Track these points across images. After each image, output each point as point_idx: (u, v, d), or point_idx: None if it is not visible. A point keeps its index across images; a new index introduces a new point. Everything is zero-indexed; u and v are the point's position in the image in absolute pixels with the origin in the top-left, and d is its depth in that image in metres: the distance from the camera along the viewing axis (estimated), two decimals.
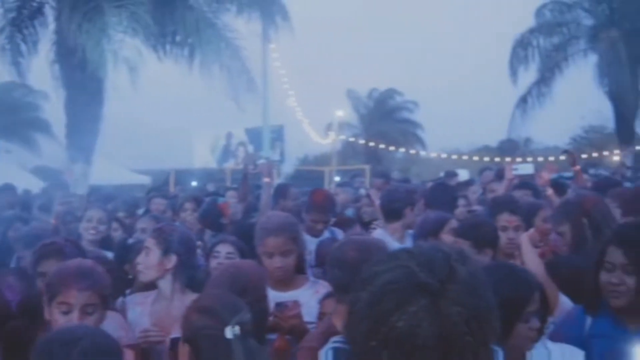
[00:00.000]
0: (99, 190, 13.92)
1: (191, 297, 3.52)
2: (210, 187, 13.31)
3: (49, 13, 16.85)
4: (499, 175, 8.62)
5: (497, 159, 24.03)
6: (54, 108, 16.57)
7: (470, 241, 4.18)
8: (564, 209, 4.45)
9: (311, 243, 5.45)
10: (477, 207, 7.23)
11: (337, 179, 19.14)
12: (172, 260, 3.76)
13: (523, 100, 25.25)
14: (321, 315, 3.53)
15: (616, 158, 22.60)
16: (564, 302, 3.45)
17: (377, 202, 6.28)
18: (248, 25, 18.10)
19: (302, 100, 27.74)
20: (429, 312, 1.43)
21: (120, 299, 4.08)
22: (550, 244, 4.38)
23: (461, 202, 7.02)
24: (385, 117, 42.90)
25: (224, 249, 4.55)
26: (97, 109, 16.55)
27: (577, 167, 7.31)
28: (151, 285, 3.91)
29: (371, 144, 32.68)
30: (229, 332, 2.45)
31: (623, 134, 24.41)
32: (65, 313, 3.05)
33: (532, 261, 3.74)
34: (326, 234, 5.96)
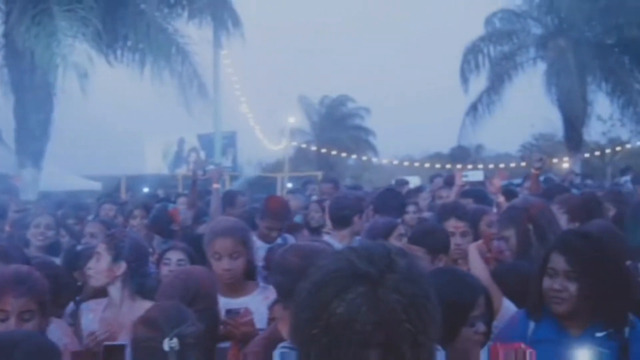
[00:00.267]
0: (49, 197, 13.69)
1: (141, 304, 3.51)
2: (161, 193, 13.21)
3: None
4: (448, 182, 8.75)
5: (448, 166, 24.19)
6: (2, 112, 16.24)
7: (425, 248, 4.21)
8: (510, 214, 4.50)
9: (264, 250, 5.43)
10: (426, 214, 7.32)
11: (289, 185, 19.16)
12: (122, 267, 3.74)
13: (474, 107, 25.54)
14: (270, 321, 3.54)
15: (565, 165, 22.91)
16: (508, 307, 3.50)
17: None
18: (200, 31, 18.13)
19: (254, 107, 27.64)
20: (368, 298, 1.47)
21: (71, 306, 4.04)
22: (493, 250, 4.44)
23: (411, 208, 7.11)
24: (337, 124, 43.01)
25: (174, 256, 4.55)
26: (47, 114, 16.34)
27: (537, 173, 7.33)
28: (102, 292, 3.89)
29: (323, 150, 32.66)
30: (167, 344, 2.45)
31: (571, 142, 24.82)
32: (2, 320, 3.01)
33: (477, 267, 3.81)
34: (278, 241, 5.97)
